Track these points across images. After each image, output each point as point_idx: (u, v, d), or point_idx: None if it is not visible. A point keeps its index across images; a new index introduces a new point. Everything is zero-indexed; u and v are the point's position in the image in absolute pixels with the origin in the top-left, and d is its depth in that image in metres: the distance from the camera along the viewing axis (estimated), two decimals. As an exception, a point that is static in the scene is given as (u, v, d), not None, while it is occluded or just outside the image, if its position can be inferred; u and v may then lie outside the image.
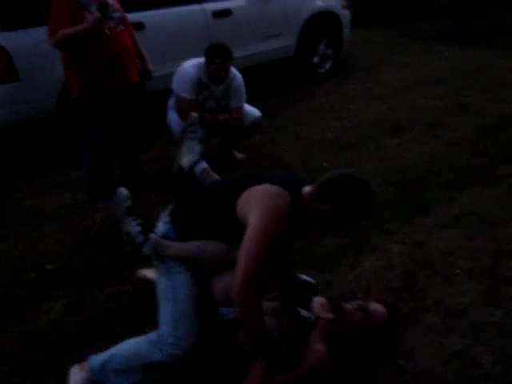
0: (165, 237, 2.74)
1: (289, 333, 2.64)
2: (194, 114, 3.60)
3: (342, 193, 2.51)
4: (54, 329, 3.20)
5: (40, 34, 4.64)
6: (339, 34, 7.85)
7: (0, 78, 5.13)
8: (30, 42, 5.14)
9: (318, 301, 2.99)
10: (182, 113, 4.76)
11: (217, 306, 2.75)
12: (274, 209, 2.44)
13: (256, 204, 2.47)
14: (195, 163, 3.31)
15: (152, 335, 2.75)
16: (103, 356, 2.75)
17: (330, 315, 2.86)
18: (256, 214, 2.44)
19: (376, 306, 2.89)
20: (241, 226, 2.48)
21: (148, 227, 2.78)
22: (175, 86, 4.80)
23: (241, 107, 4.91)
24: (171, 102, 4.93)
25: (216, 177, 3.29)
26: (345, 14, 7.87)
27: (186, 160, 3.25)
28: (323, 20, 7.51)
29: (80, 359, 2.83)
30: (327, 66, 7.84)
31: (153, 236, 2.72)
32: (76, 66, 4.34)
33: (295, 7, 7.21)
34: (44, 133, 5.72)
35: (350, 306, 2.84)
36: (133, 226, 2.75)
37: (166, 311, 2.70)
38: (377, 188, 4.47)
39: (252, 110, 5.05)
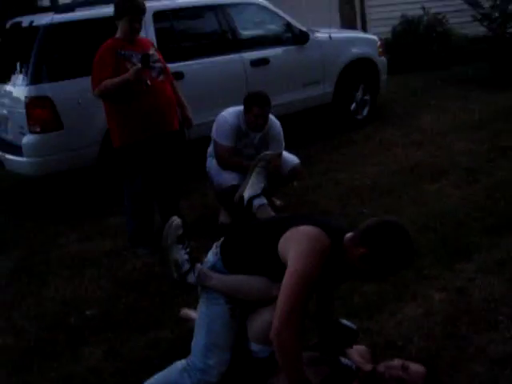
0: (213, 268, 2.79)
1: (330, 381, 2.60)
2: (269, 153, 3.64)
3: (381, 238, 2.51)
4: (93, 374, 3.23)
5: (83, 84, 4.81)
6: (376, 80, 7.89)
7: (45, 126, 5.30)
8: (73, 91, 5.31)
9: (357, 349, 2.96)
10: (221, 160, 4.83)
11: (249, 342, 2.74)
12: (312, 251, 2.47)
13: (295, 245, 2.51)
14: (255, 197, 3.36)
15: (182, 363, 2.80)
16: None
17: (368, 366, 2.80)
18: (294, 255, 2.48)
19: (415, 370, 2.68)
20: (282, 264, 2.52)
21: (195, 257, 2.84)
22: (215, 133, 4.87)
23: (280, 154, 4.95)
24: (211, 149, 5.00)
25: (272, 214, 3.33)
26: (381, 61, 7.93)
27: (248, 192, 3.31)
28: (360, 67, 7.58)
29: None
30: (365, 112, 7.87)
31: (198, 266, 2.78)
32: (118, 116, 4.45)
33: (333, 54, 7.29)
34: (87, 180, 5.86)
35: (386, 371, 2.65)
36: (181, 254, 2.81)
37: (199, 338, 2.76)
38: (416, 233, 4.43)
39: (290, 157, 5.08)
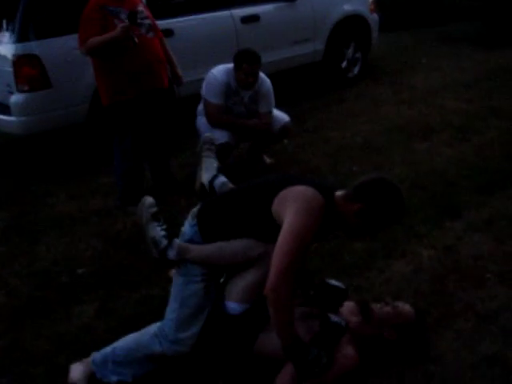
0: (191, 240, 2.81)
1: (319, 338, 2.65)
2: (208, 134, 3.68)
3: (377, 193, 2.61)
4: (85, 331, 3.26)
5: (71, 41, 4.74)
6: (367, 37, 7.81)
7: (33, 85, 5.24)
8: (61, 49, 5.24)
9: (347, 305, 2.99)
10: (211, 118, 4.81)
11: (223, 302, 2.78)
12: (309, 210, 2.51)
13: (292, 204, 2.55)
14: (213, 178, 3.37)
15: (153, 327, 2.86)
16: (106, 350, 2.88)
17: (359, 317, 2.86)
18: (291, 214, 2.52)
19: (403, 304, 2.90)
20: (274, 225, 2.56)
21: (173, 232, 2.85)
22: (204, 91, 4.84)
23: (270, 112, 4.92)
24: (201, 107, 4.97)
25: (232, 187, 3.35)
26: (373, 18, 7.83)
27: (205, 177, 3.32)
28: (351, 24, 7.50)
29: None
30: (356, 70, 7.80)
31: (176, 241, 2.80)
32: (106, 74, 4.40)
33: (323, 12, 7.19)
34: (76, 139, 5.82)
35: (377, 304, 2.86)
36: (158, 231, 2.82)
37: (171, 310, 2.81)
38: (406, 192, 4.43)
39: (281, 115, 5.06)
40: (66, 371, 2.92)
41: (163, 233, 2.81)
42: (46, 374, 2.95)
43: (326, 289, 2.97)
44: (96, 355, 2.89)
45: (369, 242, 3.82)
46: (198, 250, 2.77)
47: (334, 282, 3.03)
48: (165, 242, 2.79)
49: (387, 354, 2.81)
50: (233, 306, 2.75)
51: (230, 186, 3.37)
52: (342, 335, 2.70)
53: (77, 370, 2.87)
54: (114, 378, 2.85)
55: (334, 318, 2.72)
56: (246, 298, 2.73)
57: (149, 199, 2.91)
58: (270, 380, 2.67)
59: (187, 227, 2.86)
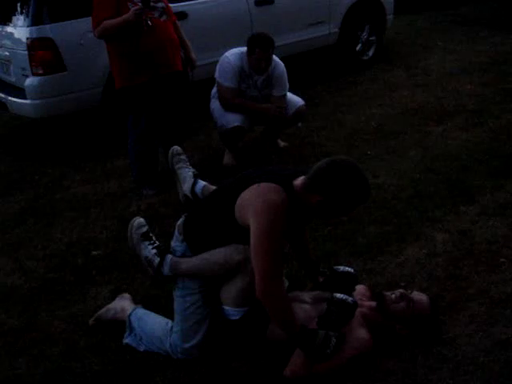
0: (184, 256, 2.86)
1: (326, 319, 2.65)
2: (175, 147, 3.67)
3: (332, 182, 2.52)
4: (101, 313, 3.29)
5: (86, 25, 4.74)
6: (382, 20, 7.74)
7: (47, 68, 5.25)
8: (76, 32, 5.24)
9: (360, 288, 3.01)
10: (224, 101, 4.80)
11: (222, 306, 2.82)
12: (268, 206, 2.49)
13: (250, 207, 2.54)
14: (193, 186, 3.39)
15: (169, 325, 2.93)
16: (139, 317, 3.01)
17: (372, 302, 2.87)
18: (253, 216, 2.51)
19: (419, 296, 2.88)
20: (245, 230, 2.55)
21: (164, 249, 2.90)
22: (218, 74, 4.83)
23: (284, 96, 4.91)
24: (214, 90, 4.96)
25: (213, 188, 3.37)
26: (388, 1, 7.75)
27: (185, 187, 3.33)
28: (366, 6, 7.43)
29: (125, 344, 2.99)
30: (370, 53, 7.75)
31: (168, 256, 2.84)
32: (120, 57, 4.41)
33: (338, -6, 7.14)
34: (91, 122, 5.84)
35: (392, 295, 2.84)
36: (149, 250, 2.87)
37: (176, 323, 2.89)
38: (420, 175, 4.45)
39: (295, 99, 5.04)
40: (82, 351, 2.97)
41: (154, 251, 2.86)
42: (61, 355, 2.99)
43: (336, 276, 2.99)
44: (135, 313, 3.03)
45: (382, 226, 3.82)
46: (186, 262, 2.81)
47: (342, 268, 3.04)
48: (157, 259, 2.84)
49: (401, 339, 2.82)
50: (231, 312, 2.78)
51: (212, 187, 3.39)
52: (351, 312, 2.70)
53: (121, 304, 3.13)
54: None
55: (340, 295, 2.72)
56: (241, 302, 2.75)
57: (138, 220, 2.95)
58: (283, 364, 2.69)
59: (177, 243, 2.89)
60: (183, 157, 3.63)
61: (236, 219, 2.62)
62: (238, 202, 2.60)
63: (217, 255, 2.73)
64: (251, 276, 2.57)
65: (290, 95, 5.01)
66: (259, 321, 2.75)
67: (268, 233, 2.47)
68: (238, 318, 2.76)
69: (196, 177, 3.49)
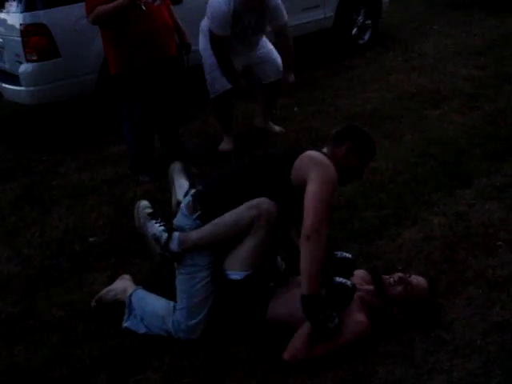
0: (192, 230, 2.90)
1: (326, 302, 2.66)
2: (177, 163, 3.65)
3: (355, 130, 2.98)
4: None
5: (79, 10, 4.70)
6: (378, 4, 7.71)
7: (41, 54, 5.22)
8: (69, 18, 5.20)
9: (358, 273, 3.01)
10: (215, 48, 4.77)
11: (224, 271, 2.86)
12: (329, 165, 2.76)
13: (312, 167, 2.74)
14: (186, 194, 3.39)
15: (171, 304, 2.96)
16: (140, 297, 3.06)
17: (370, 286, 2.88)
18: (316, 169, 2.72)
19: (417, 279, 2.88)
20: (290, 191, 2.78)
21: (171, 227, 2.94)
22: (210, 21, 4.73)
23: (285, 24, 4.88)
24: (204, 23, 4.89)
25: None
26: (383, -16, 7.72)
27: (179, 194, 3.34)
28: (362, -10, 7.40)
29: (124, 328, 2.99)
30: (366, 37, 7.72)
31: (176, 233, 2.88)
32: (114, 42, 4.37)
33: (333, -23, 7.08)
34: (86, 108, 5.81)
35: (390, 278, 2.85)
36: (157, 228, 2.91)
37: (181, 301, 2.91)
38: (417, 159, 4.45)
39: (277, 63, 5.08)
40: (80, 338, 2.97)
41: (162, 227, 2.91)
42: (59, 341, 2.99)
43: (333, 262, 2.99)
44: (135, 294, 3.07)
45: (379, 210, 3.83)
46: (197, 232, 2.85)
47: (340, 253, 3.05)
48: (165, 235, 2.87)
49: (399, 322, 2.83)
50: (235, 274, 2.81)
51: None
52: (349, 296, 2.71)
53: (122, 284, 3.19)
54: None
55: (339, 279, 2.73)
56: (245, 265, 2.79)
57: (143, 202, 3.04)
58: (281, 348, 2.70)
59: (186, 221, 2.93)
60: (183, 167, 3.61)
61: (290, 180, 2.79)
62: (297, 163, 2.79)
63: (228, 216, 2.79)
64: (263, 234, 2.72)
65: (276, 55, 5.07)
66: (260, 290, 2.81)
67: (332, 184, 2.72)
68: (239, 278, 2.79)
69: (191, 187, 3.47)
